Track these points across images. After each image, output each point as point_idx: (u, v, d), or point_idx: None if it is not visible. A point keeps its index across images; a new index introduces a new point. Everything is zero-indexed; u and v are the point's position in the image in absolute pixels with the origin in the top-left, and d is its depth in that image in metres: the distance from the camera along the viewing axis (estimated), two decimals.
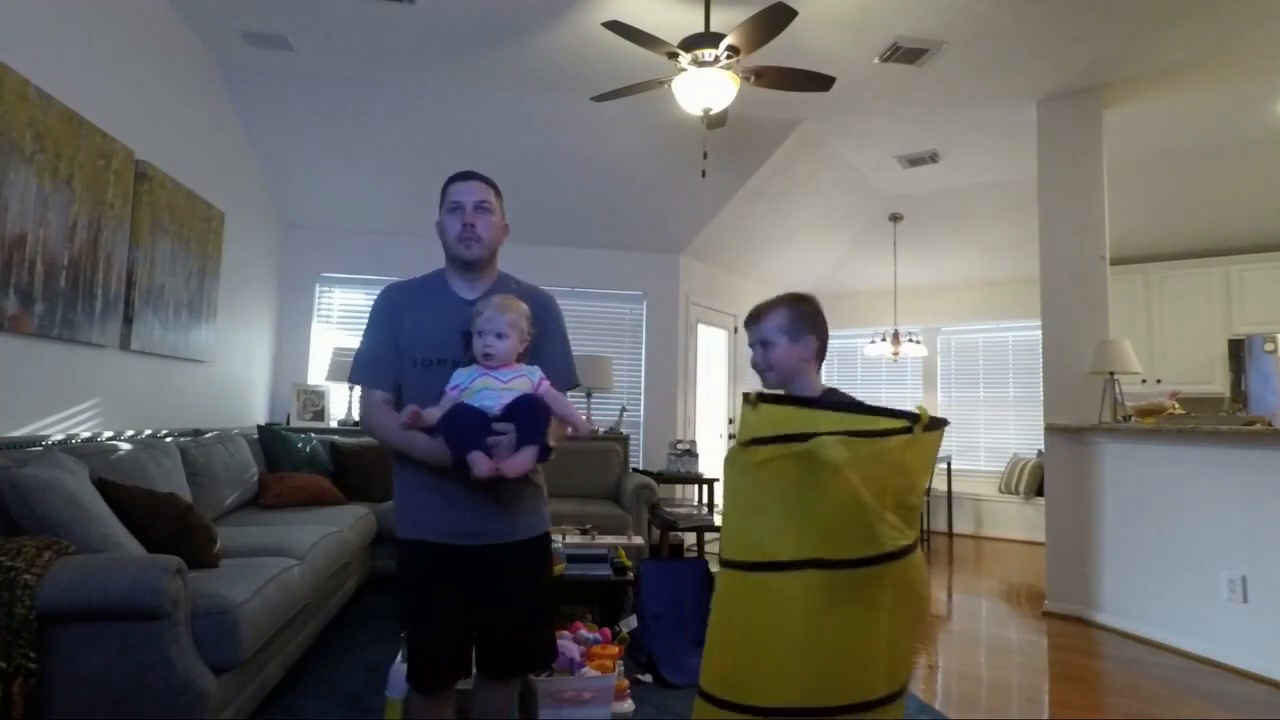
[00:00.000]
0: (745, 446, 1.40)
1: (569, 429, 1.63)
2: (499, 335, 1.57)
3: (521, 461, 1.50)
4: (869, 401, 1.63)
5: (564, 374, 1.77)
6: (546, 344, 1.73)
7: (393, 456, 1.70)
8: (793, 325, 1.65)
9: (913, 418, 1.37)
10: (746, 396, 1.43)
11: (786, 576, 1.34)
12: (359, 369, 1.72)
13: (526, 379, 1.59)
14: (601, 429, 5.38)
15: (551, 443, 1.58)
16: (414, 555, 1.65)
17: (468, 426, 1.50)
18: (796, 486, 1.35)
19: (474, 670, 1.74)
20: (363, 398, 1.73)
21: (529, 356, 1.66)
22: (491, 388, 1.55)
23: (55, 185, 2.69)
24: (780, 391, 1.66)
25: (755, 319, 1.70)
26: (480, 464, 1.47)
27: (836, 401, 1.53)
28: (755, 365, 1.71)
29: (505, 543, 1.66)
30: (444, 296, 1.71)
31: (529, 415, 1.53)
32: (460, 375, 1.58)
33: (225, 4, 3.53)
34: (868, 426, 1.35)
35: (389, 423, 1.63)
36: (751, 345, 1.71)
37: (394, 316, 1.70)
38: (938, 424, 1.42)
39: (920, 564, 1.40)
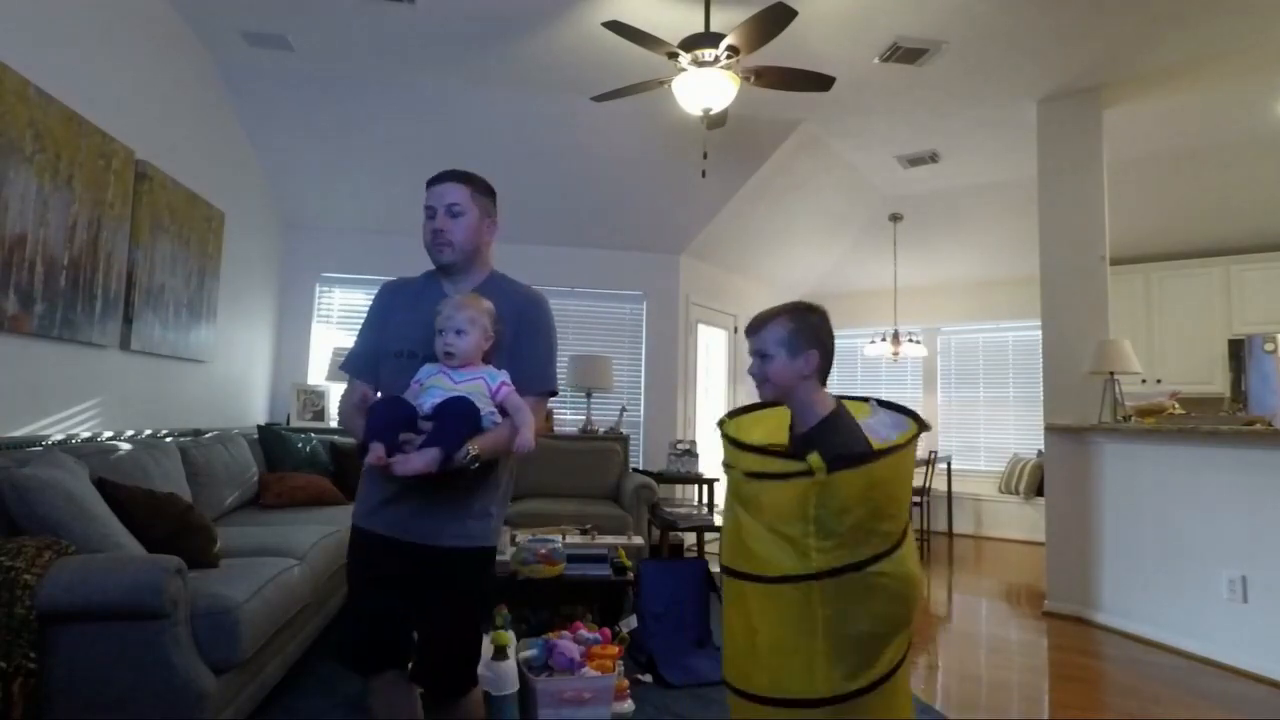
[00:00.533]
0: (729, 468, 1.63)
1: (516, 441, 1.55)
2: (458, 332, 1.54)
3: (413, 461, 1.41)
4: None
5: (540, 375, 1.69)
6: (524, 342, 1.68)
7: None
8: (793, 339, 1.61)
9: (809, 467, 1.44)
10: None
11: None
12: (348, 360, 1.77)
13: (483, 382, 1.54)
14: (601, 429, 5.38)
15: (474, 450, 1.48)
16: (355, 539, 1.70)
17: (384, 419, 1.50)
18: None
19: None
20: (346, 385, 1.78)
21: (498, 355, 1.63)
22: (441, 386, 1.52)
23: (55, 185, 2.69)
24: (757, 405, 1.77)
25: (756, 328, 1.66)
26: (370, 453, 1.45)
27: (750, 445, 1.63)
28: (752, 374, 1.68)
29: (433, 545, 1.61)
30: (430, 294, 1.71)
31: (446, 419, 1.48)
32: (423, 370, 1.58)
33: (225, 4, 3.53)
34: (771, 469, 1.50)
35: (349, 406, 1.72)
36: (751, 354, 1.68)
37: (384, 312, 1.74)
38: (842, 464, 1.45)
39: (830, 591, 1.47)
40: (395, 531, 1.63)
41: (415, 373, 1.60)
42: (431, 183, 1.71)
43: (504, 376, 1.58)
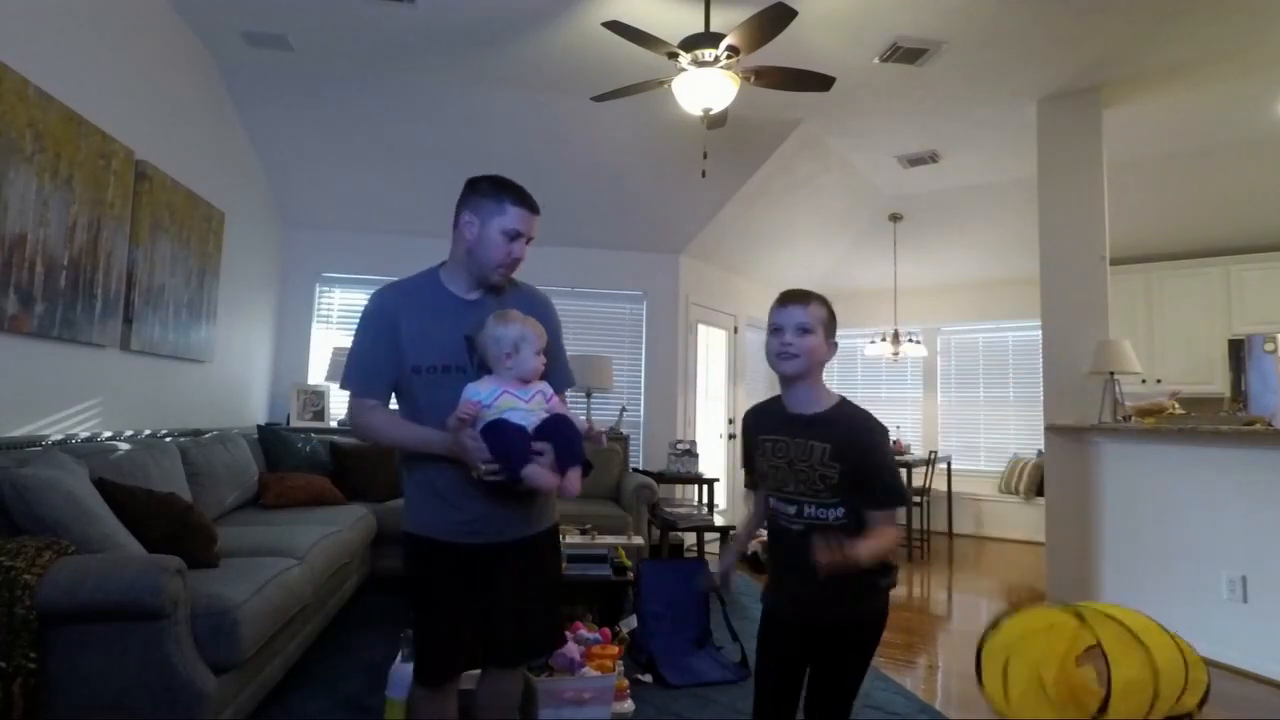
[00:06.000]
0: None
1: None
2: (537, 353, 1.60)
3: (575, 484, 1.55)
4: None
5: (565, 375, 1.80)
6: (550, 345, 1.72)
7: (399, 455, 1.70)
8: (829, 323, 1.64)
9: None
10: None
11: None
12: (350, 376, 1.67)
13: (541, 396, 1.61)
14: (601, 429, 5.37)
15: (589, 456, 1.62)
16: (419, 549, 1.66)
17: (518, 444, 1.51)
18: None
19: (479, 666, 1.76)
20: (352, 402, 1.68)
21: None
22: (517, 407, 1.55)
23: (55, 185, 2.69)
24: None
25: (800, 301, 1.61)
26: (542, 477, 1.50)
27: None
28: (782, 348, 1.60)
29: (513, 539, 1.67)
30: (441, 298, 1.67)
31: (565, 436, 1.56)
32: (480, 393, 1.53)
33: (225, 4, 3.53)
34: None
35: (383, 422, 1.66)
36: (780, 327, 1.61)
37: (389, 322, 1.64)
38: None
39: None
40: (475, 538, 1.63)
41: (452, 386, 1.56)
42: (523, 204, 1.75)
43: (550, 388, 1.65)
